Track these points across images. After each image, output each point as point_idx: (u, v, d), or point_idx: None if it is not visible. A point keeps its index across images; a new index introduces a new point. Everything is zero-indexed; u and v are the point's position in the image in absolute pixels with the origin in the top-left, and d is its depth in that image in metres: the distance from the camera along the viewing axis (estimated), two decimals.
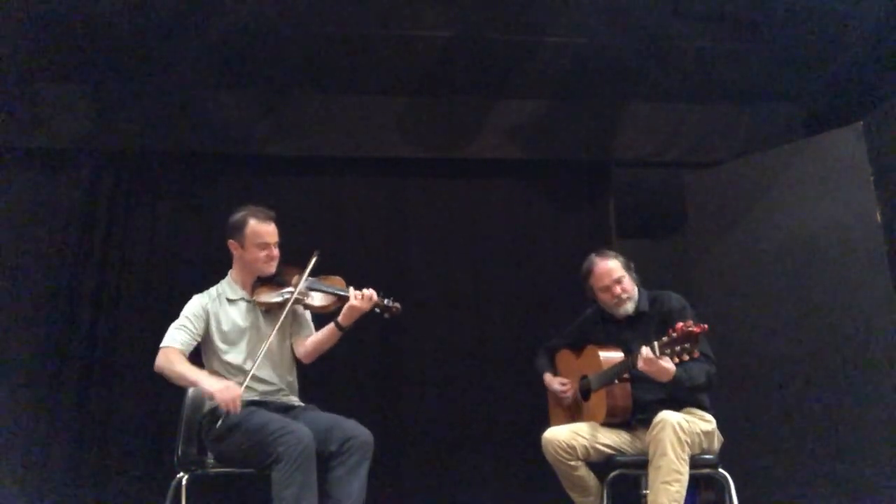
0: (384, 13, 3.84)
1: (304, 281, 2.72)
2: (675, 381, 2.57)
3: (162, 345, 2.65)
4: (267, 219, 2.78)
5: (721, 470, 2.69)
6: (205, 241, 4.21)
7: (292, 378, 2.85)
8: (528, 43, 4.07)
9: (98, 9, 3.67)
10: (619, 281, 2.82)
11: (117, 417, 3.89)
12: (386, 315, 2.73)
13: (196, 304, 2.75)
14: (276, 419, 2.52)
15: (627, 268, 2.87)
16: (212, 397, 2.49)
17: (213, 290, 2.82)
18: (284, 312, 2.67)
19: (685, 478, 2.46)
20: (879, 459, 3.30)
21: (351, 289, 2.71)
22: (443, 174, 4.49)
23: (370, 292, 2.69)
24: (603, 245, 4.07)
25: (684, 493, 2.45)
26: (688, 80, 4.33)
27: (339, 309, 2.71)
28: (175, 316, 3.94)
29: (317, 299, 2.74)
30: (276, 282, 2.78)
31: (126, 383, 3.94)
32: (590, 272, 2.88)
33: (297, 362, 2.88)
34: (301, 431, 2.42)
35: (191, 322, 2.69)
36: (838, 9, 3.74)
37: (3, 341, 3.88)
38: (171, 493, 2.65)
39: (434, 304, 4.20)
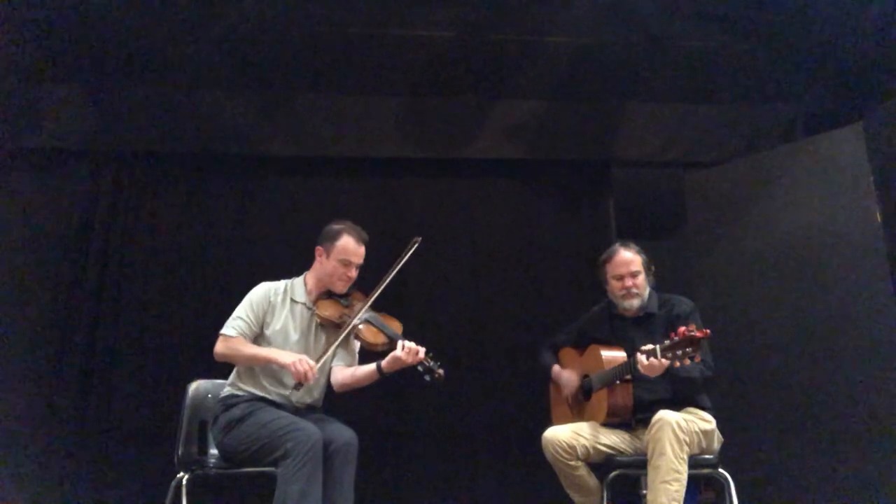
0: (384, 13, 3.84)
1: (365, 310, 2.71)
2: (671, 372, 2.57)
3: (222, 332, 2.66)
4: (361, 241, 2.79)
5: (721, 470, 2.68)
6: (205, 242, 4.22)
7: (316, 400, 2.82)
8: (528, 43, 4.07)
9: (98, 9, 3.67)
10: (633, 275, 2.83)
11: (117, 417, 3.89)
12: (427, 378, 2.66)
13: (261, 294, 2.75)
14: (286, 415, 2.55)
15: (647, 267, 2.89)
16: (287, 368, 2.52)
17: (284, 283, 2.82)
18: (339, 338, 2.67)
19: (684, 477, 2.46)
20: (880, 459, 3.30)
21: (402, 339, 2.66)
22: (443, 174, 4.49)
23: (418, 348, 2.64)
24: (603, 245, 4.10)
25: (683, 492, 2.45)
26: (688, 80, 4.33)
27: (385, 353, 2.68)
28: (176, 316, 3.95)
29: (367, 332, 2.72)
30: (341, 301, 2.78)
31: (126, 383, 3.94)
32: (609, 258, 2.90)
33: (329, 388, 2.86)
34: (310, 429, 2.44)
35: (252, 311, 2.70)
36: (838, 9, 3.74)
37: (3, 341, 3.88)
38: (171, 493, 2.65)
39: (434, 304, 4.20)
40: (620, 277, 2.84)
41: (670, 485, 2.43)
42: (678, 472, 2.45)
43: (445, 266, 4.32)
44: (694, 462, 2.55)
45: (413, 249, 2.79)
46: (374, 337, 2.71)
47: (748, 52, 4.14)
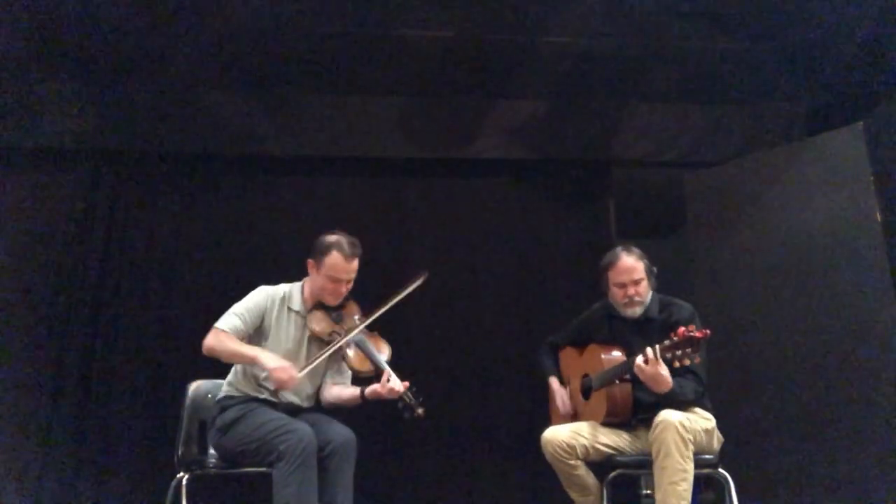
0: (384, 13, 3.84)
1: (355, 332, 2.68)
2: (670, 393, 2.57)
3: (216, 325, 2.63)
4: (352, 256, 2.69)
5: (721, 470, 2.68)
6: (205, 241, 4.22)
7: (311, 391, 2.81)
8: (528, 43, 4.07)
9: (98, 8, 3.67)
10: (636, 283, 2.78)
11: (117, 417, 3.89)
12: (406, 415, 2.57)
13: (261, 297, 2.73)
14: (279, 417, 2.55)
15: (649, 272, 2.83)
16: (269, 373, 2.50)
17: (283, 290, 2.79)
18: (323, 355, 2.65)
19: (691, 475, 2.46)
20: (879, 459, 3.30)
21: (387, 370, 2.61)
22: (443, 174, 4.50)
23: (398, 388, 2.56)
24: (603, 245, 4.11)
25: (691, 489, 2.45)
26: (688, 80, 4.33)
27: (369, 380, 2.66)
28: (176, 316, 3.94)
29: (354, 357, 2.69)
30: (333, 315, 2.76)
31: (126, 383, 3.94)
32: (611, 264, 2.83)
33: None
34: (303, 430, 2.44)
35: (249, 314, 2.68)
36: (838, 9, 3.75)
37: (3, 341, 3.88)
38: (171, 493, 2.65)
39: (434, 304, 4.20)
40: (623, 285, 2.80)
41: (678, 485, 2.43)
42: (685, 471, 2.45)
43: (446, 266, 4.32)
44: (694, 462, 2.55)
45: (418, 284, 2.75)
46: (360, 364, 2.68)
47: (748, 52, 4.14)
